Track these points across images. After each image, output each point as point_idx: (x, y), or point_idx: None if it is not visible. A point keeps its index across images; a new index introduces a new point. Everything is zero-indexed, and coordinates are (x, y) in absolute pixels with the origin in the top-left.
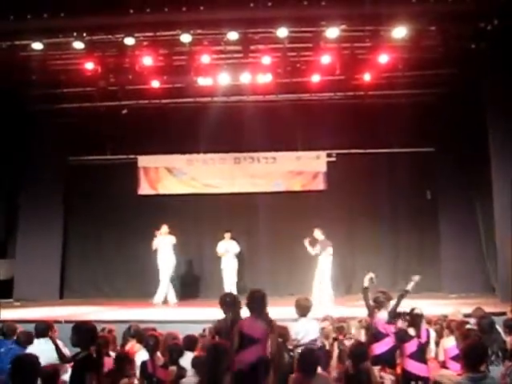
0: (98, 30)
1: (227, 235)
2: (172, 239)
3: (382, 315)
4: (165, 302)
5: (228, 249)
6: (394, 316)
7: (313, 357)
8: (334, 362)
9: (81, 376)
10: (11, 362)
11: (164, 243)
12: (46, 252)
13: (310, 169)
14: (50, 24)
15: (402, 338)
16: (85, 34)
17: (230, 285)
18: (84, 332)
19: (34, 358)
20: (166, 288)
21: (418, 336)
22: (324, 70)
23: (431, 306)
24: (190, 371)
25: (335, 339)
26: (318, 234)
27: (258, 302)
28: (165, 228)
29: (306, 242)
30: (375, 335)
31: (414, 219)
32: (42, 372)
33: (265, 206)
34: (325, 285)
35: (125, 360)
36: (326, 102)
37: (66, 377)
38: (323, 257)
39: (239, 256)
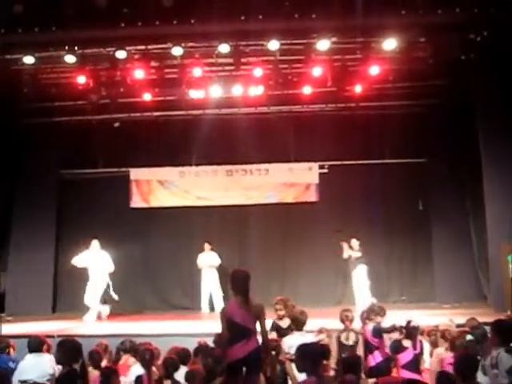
0: (89, 44)
1: (207, 246)
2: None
3: (370, 327)
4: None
5: (207, 261)
6: (379, 333)
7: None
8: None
9: None
10: None
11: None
12: (39, 266)
13: (302, 180)
14: (41, 38)
15: (396, 348)
16: (76, 48)
17: (216, 297)
18: (67, 349)
19: None
20: None
21: (414, 348)
22: (315, 82)
23: (425, 316)
24: None
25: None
26: (354, 243)
27: (241, 283)
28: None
29: (345, 245)
30: (367, 347)
31: (407, 230)
32: None
33: (257, 218)
34: (364, 294)
35: (111, 374)
36: (318, 114)
37: None
38: (358, 266)
39: (227, 270)
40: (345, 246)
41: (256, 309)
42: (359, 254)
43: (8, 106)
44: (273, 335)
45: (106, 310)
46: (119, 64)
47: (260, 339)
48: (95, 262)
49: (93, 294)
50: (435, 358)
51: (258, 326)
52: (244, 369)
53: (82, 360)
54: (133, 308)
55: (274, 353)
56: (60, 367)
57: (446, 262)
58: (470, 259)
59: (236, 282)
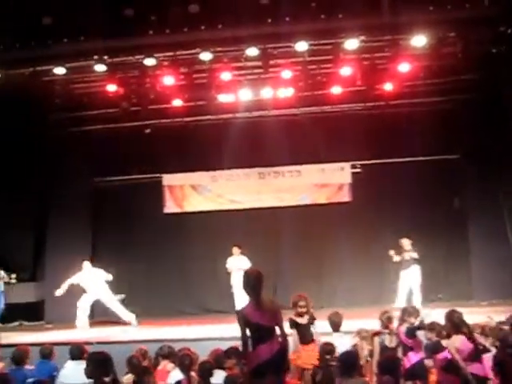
0: (118, 52)
1: (236, 250)
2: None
3: (404, 328)
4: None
5: (237, 265)
6: (413, 334)
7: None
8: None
9: None
10: None
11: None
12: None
13: (334, 181)
14: (70, 48)
15: (433, 349)
16: (106, 57)
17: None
18: (98, 361)
19: None
20: None
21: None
22: (345, 82)
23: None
24: None
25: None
26: (406, 243)
27: (254, 284)
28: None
29: (392, 252)
30: (403, 348)
31: (442, 228)
32: None
33: (291, 220)
34: (415, 295)
35: (145, 373)
36: (348, 113)
37: None
38: (412, 267)
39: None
40: (391, 252)
41: (272, 308)
42: (416, 255)
43: (40, 116)
44: (292, 332)
45: (132, 317)
46: (148, 71)
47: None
48: (89, 281)
49: (83, 303)
50: None
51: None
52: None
53: (113, 373)
54: (167, 313)
55: (328, 357)
56: None
57: (482, 260)
58: (508, 255)
59: (248, 283)
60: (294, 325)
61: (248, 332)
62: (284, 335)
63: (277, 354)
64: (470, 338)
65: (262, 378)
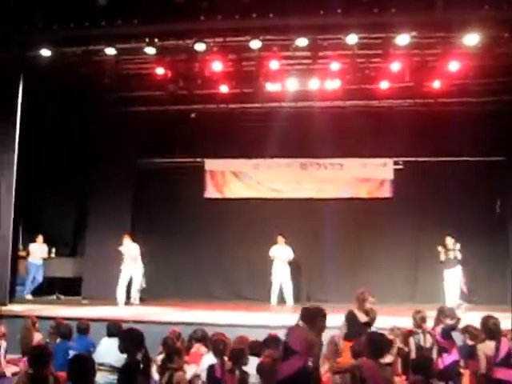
0: (169, 36)
1: (281, 239)
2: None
3: (439, 328)
4: None
5: (280, 255)
6: (449, 335)
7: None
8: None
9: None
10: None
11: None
12: (114, 252)
13: (376, 176)
14: (123, 30)
15: (468, 353)
16: (156, 40)
17: (286, 290)
18: (132, 338)
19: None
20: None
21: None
22: (393, 77)
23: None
24: (252, 376)
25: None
26: (450, 242)
27: (310, 318)
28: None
29: (440, 248)
30: (438, 349)
31: (483, 230)
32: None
33: (330, 212)
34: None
35: (174, 353)
36: (395, 109)
37: None
38: (457, 267)
39: (299, 262)
40: (440, 248)
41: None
42: (459, 256)
43: (89, 95)
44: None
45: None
46: (198, 56)
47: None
48: (127, 255)
49: (120, 285)
50: None
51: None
52: None
53: (144, 349)
54: (200, 296)
55: None
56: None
57: None
58: None
59: (305, 317)
60: (351, 320)
61: None
62: (315, 360)
63: (300, 371)
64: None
65: None
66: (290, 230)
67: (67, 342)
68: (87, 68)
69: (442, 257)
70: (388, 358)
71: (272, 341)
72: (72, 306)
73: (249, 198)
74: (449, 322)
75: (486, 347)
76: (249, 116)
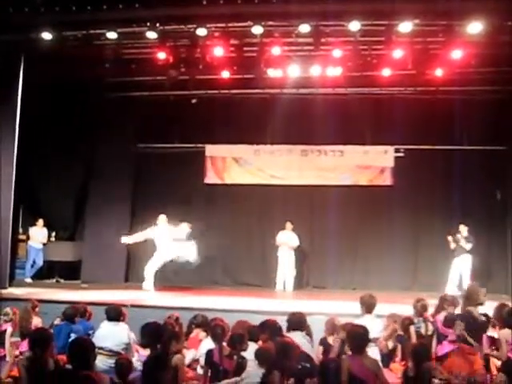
0: (170, 21)
1: (289, 226)
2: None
3: (442, 316)
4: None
5: (287, 241)
6: (452, 321)
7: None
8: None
9: (154, 375)
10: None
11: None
12: (113, 236)
13: (377, 163)
14: (124, 14)
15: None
16: (158, 25)
17: (288, 276)
18: (152, 332)
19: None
20: None
21: None
22: (395, 65)
23: None
24: (250, 361)
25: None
26: (463, 229)
27: (358, 340)
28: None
29: (450, 238)
30: (437, 336)
31: (483, 219)
32: (117, 363)
33: (331, 199)
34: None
35: (172, 337)
36: (396, 97)
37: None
38: (464, 254)
39: (298, 249)
40: (450, 238)
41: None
42: (470, 246)
43: (90, 79)
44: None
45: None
46: (199, 41)
47: None
48: (162, 237)
49: (152, 265)
50: None
51: None
52: None
53: (163, 340)
54: (200, 282)
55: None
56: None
57: None
58: None
59: (353, 340)
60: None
61: None
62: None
63: None
64: None
65: None
66: (290, 216)
67: (70, 325)
68: (88, 52)
69: (452, 245)
70: (389, 345)
71: (268, 326)
72: (71, 289)
73: (249, 185)
74: (452, 310)
75: (507, 334)
76: (250, 102)
